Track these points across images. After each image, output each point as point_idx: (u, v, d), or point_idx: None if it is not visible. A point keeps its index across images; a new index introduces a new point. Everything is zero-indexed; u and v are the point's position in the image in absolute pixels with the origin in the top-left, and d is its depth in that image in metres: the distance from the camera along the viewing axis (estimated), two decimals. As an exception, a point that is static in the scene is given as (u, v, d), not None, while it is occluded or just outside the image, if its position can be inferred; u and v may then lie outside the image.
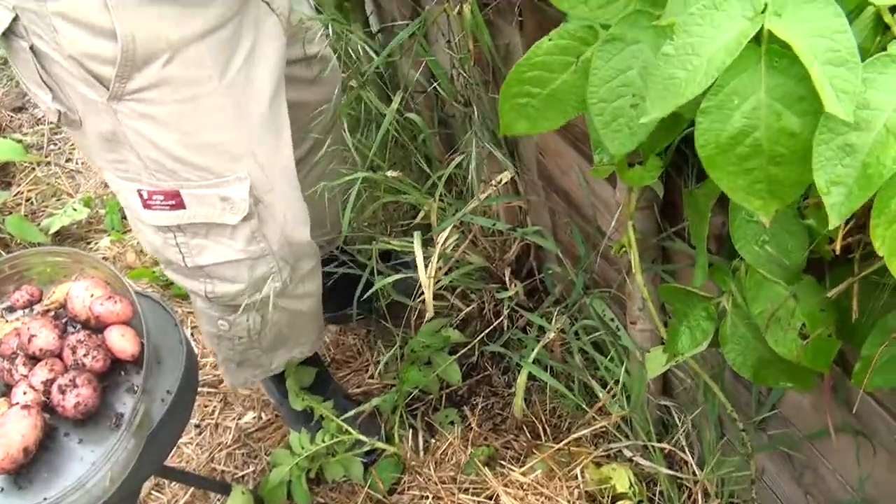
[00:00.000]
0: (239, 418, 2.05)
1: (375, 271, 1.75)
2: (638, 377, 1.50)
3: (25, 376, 1.31)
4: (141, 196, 1.40)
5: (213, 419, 2.05)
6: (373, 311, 2.07)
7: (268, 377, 1.99)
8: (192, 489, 1.92)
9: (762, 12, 0.64)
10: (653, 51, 0.79)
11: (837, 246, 0.78)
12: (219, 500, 1.92)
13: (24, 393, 1.28)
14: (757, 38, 0.65)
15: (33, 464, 1.25)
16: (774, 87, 0.64)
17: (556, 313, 1.76)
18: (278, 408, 1.99)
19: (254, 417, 2.05)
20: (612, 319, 1.56)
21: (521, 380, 1.73)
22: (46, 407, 1.28)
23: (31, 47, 1.26)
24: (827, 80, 0.62)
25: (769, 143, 0.64)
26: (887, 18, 0.70)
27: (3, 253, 2.50)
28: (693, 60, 0.63)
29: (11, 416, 1.24)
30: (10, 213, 2.75)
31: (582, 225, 1.63)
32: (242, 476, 1.94)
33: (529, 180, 1.77)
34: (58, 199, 2.86)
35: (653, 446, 1.59)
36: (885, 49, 0.67)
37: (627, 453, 1.71)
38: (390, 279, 1.74)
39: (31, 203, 2.84)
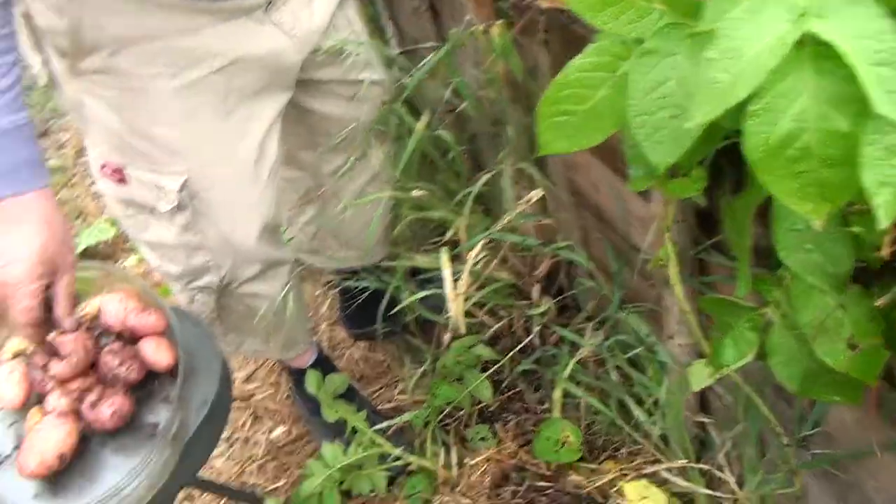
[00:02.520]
0: (269, 432, 2.05)
1: (403, 288, 1.75)
2: (676, 393, 1.48)
3: (60, 385, 1.32)
4: (100, 165, 1.46)
5: (243, 433, 2.05)
6: (401, 328, 2.07)
7: (295, 394, 2.00)
8: (223, 501, 1.93)
9: (803, 15, 0.63)
10: (689, 61, 0.78)
11: (885, 251, 0.77)
12: (250, 513, 1.92)
13: (60, 400, 1.28)
14: (801, 41, 0.64)
15: (67, 471, 1.25)
16: (821, 89, 0.63)
17: (589, 329, 1.74)
18: (307, 423, 1.99)
19: (284, 432, 2.05)
20: (648, 335, 1.54)
21: (557, 394, 1.72)
22: (80, 416, 1.29)
23: (24, 14, 1.30)
24: (875, 81, 0.61)
25: (819, 146, 0.63)
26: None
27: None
28: (736, 64, 0.63)
29: (47, 423, 1.25)
30: (38, 232, 2.77)
31: (614, 240, 1.62)
32: (273, 489, 1.94)
33: (559, 197, 1.76)
34: (83, 220, 2.89)
35: (691, 466, 1.57)
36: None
37: (664, 473, 1.69)
38: (417, 296, 1.73)
39: (58, 224, 2.87)
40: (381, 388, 2.09)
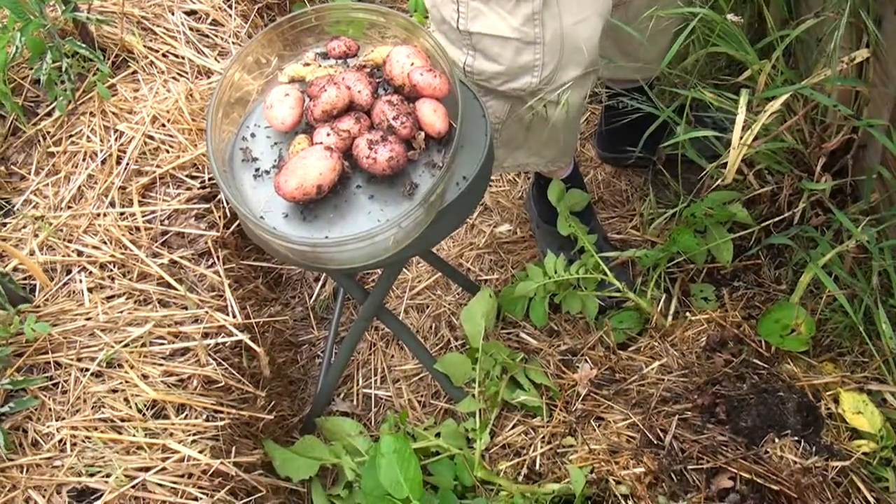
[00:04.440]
0: (495, 226, 2.06)
1: (685, 117, 1.62)
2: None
3: (331, 123, 1.33)
4: None
5: (470, 220, 2.07)
6: (655, 161, 1.97)
7: (532, 198, 1.97)
8: (436, 276, 1.98)
9: None
10: None
11: None
12: (458, 293, 1.96)
13: (328, 135, 1.30)
14: None
15: (321, 202, 1.29)
16: None
17: (864, 222, 1.57)
18: (535, 228, 1.98)
19: (508, 230, 2.05)
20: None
21: (805, 279, 1.59)
22: (348, 156, 1.30)
23: None
24: None
25: None
26: None
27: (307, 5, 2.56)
28: None
29: (314, 153, 1.27)
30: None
31: (932, 132, 1.41)
32: (486, 280, 1.97)
33: (886, 65, 1.54)
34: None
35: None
36: None
37: (888, 396, 1.57)
38: (697, 133, 1.61)
39: (340, -33, 2.88)
40: (614, 217, 2.02)
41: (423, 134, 1.30)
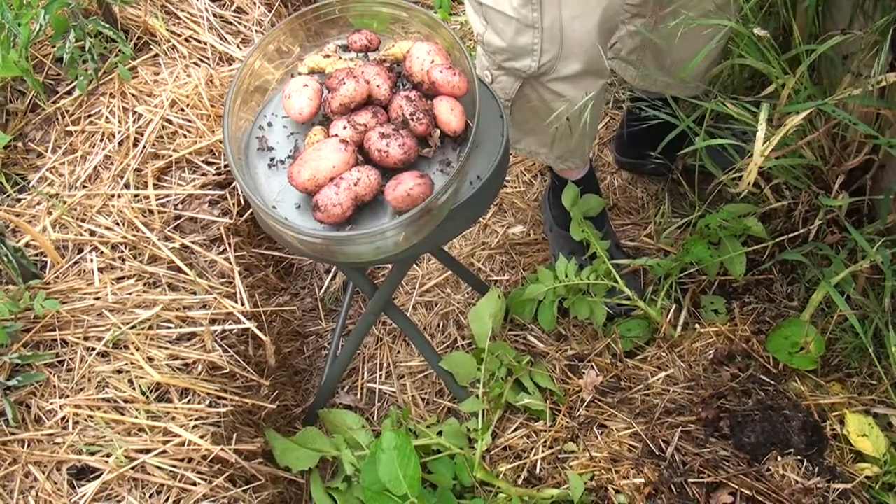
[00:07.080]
0: (508, 227, 2.05)
1: (704, 128, 1.61)
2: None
3: (348, 116, 1.33)
4: None
5: (484, 220, 2.06)
6: (672, 170, 1.95)
7: (547, 201, 1.96)
8: (447, 274, 1.98)
9: None
10: None
11: None
12: (468, 292, 1.96)
13: (344, 128, 1.30)
14: None
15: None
16: None
17: (879, 242, 1.56)
18: (548, 232, 1.97)
19: (522, 231, 2.04)
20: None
21: (816, 297, 1.58)
22: (361, 150, 1.30)
23: None
24: None
25: None
26: None
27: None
28: None
29: (329, 145, 1.27)
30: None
31: (958, 158, 1.40)
32: (496, 281, 1.96)
33: (910, 89, 1.53)
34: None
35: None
36: None
37: (893, 420, 1.56)
38: (715, 142, 1.59)
39: (368, -40, 2.88)
40: (628, 224, 2.01)
41: (438, 132, 1.29)
